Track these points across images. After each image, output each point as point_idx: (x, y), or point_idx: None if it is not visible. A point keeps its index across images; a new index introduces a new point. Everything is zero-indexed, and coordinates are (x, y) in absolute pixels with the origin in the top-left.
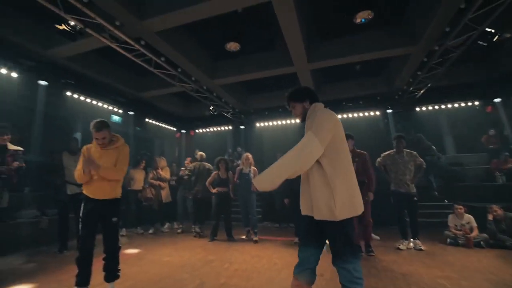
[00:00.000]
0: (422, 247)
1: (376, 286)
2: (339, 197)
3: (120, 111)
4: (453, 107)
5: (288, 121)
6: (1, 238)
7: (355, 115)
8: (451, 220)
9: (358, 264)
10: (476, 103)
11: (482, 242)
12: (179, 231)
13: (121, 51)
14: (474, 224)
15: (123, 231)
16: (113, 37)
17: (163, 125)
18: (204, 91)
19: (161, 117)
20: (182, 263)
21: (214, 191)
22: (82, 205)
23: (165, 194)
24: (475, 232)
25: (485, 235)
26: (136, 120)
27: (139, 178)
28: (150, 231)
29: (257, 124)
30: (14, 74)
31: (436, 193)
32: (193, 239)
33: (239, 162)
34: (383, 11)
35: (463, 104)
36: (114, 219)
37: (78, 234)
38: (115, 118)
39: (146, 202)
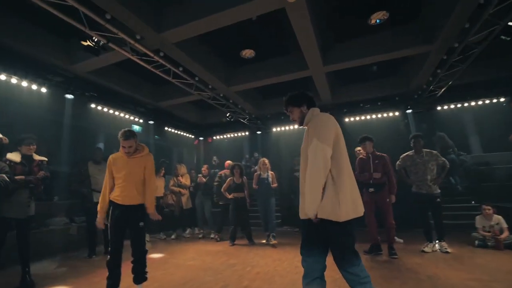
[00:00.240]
0: (449, 250)
1: None
2: (343, 196)
3: (141, 120)
4: (477, 104)
5: (305, 126)
6: (35, 245)
7: (374, 116)
8: (478, 221)
9: (362, 265)
10: (502, 99)
11: None
12: (200, 236)
13: (141, 63)
14: (504, 225)
15: (147, 237)
16: (134, 50)
17: (182, 133)
18: (220, 98)
19: (179, 125)
20: (205, 266)
21: (230, 196)
22: (110, 211)
23: (185, 200)
24: (506, 234)
25: None
26: (156, 129)
27: (159, 185)
28: (173, 237)
29: (274, 129)
30: (43, 89)
31: (459, 187)
32: (214, 244)
33: (256, 167)
34: (399, 10)
35: (487, 101)
36: (141, 223)
37: (107, 239)
38: (136, 127)
39: (167, 208)
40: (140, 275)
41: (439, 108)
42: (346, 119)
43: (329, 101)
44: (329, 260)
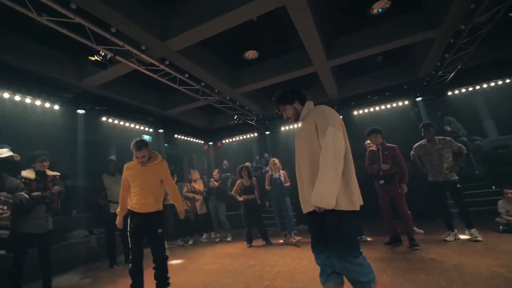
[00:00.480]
0: (479, 238)
1: (427, 279)
2: (354, 186)
3: (150, 130)
4: (489, 86)
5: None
6: (57, 259)
7: (383, 107)
8: (501, 206)
9: (363, 257)
10: None
11: None
12: (217, 240)
13: (147, 73)
14: None
15: (165, 244)
16: (140, 60)
17: (191, 139)
18: (227, 101)
19: (188, 132)
20: (224, 269)
21: (240, 199)
22: (129, 220)
23: (199, 205)
24: None
25: None
26: (166, 137)
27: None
28: (190, 242)
29: (282, 128)
30: (56, 107)
31: (476, 172)
32: (232, 246)
33: (267, 168)
34: None
35: (500, 82)
36: (159, 230)
37: (126, 249)
38: (146, 137)
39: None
40: (162, 281)
41: (450, 93)
42: (355, 112)
43: (336, 96)
44: None
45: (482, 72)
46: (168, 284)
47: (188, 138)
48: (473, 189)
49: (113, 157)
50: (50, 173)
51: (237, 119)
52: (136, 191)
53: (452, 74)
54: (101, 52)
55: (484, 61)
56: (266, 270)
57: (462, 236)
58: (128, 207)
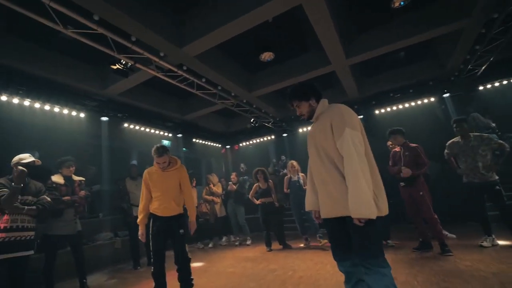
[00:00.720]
0: None
1: None
2: (379, 191)
3: (170, 135)
4: None
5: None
6: (86, 258)
7: (406, 105)
8: None
9: (389, 269)
10: None
11: None
12: (236, 243)
13: (166, 79)
14: None
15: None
16: (159, 67)
17: (209, 143)
18: (244, 104)
19: (206, 136)
20: (246, 273)
21: (258, 202)
22: (151, 223)
23: (219, 208)
24: None
25: None
26: (184, 142)
27: (193, 196)
28: (210, 245)
29: (300, 130)
30: (82, 114)
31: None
32: (252, 250)
33: (285, 171)
34: None
35: None
36: (181, 231)
37: (149, 251)
38: (165, 142)
39: (202, 217)
40: (186, 282)
41: (481, 88)
42: (376, 111)
43: (356, 95)
44: None
45: None
46: (192, 285)
47: (206, 142)
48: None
49: (134, 162)
50: (76, 178)
51: (254, 122)
52: (158, 195)
53: (483, 67)
54: (122, 61)
55: None
56: (288, 274)
57: (500, 242)
58: (150, 211)
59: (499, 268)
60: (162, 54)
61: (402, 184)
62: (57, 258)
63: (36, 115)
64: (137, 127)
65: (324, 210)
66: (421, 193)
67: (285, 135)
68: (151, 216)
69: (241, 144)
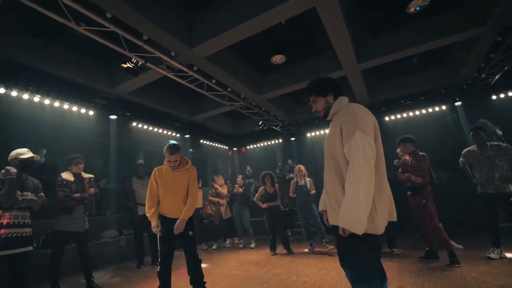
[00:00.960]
0: None
1: None
2: (381, 204)
3: (177, 135)
4: None
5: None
6: (91, 255)
7: (417, 112)
8: None
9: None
10: None
11: None
12: (240, 246)
13: (176, 79)
14: None
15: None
16: (169, 67)
17: (216, 145)
18: (253, 107)
19: (213, 137)
20: (250, 276)
21: (264, 206)
22: (159, 224)
23: (224, 210)
24: None
25: None
26: (192, 142)
27: (199, 197)
28: (214, 247)
29: (308, 134)
30: (91, 112)
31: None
32: (256, 253)
33: (291, 175)
34: None
35: None
36: (190, 232)
37: (153, 251)
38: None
39: (207, 218)
40: (199, 285)
41: (494, 97)
42: (386, 118)
43: (367, 100)
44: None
45: None
46: None
47: (213, 144)
48: None
49: (141, 161)
50: (85, 175)
51: (262, 125)
52: (167, 195)
53: (497, 76)
54: (133, 59)
55: None
56: (292, 279)
57: (509, 255)
58: (159, 212)
59: (508, 282)
60: (173, 54)
61: (408, 192)
62: (63, 254)
63: (45, 112)
64: (145, 127)
65: (329, 216)
66: (424, 201)
67: (293, 139)
68: (160, 219)
69: (248, 147)
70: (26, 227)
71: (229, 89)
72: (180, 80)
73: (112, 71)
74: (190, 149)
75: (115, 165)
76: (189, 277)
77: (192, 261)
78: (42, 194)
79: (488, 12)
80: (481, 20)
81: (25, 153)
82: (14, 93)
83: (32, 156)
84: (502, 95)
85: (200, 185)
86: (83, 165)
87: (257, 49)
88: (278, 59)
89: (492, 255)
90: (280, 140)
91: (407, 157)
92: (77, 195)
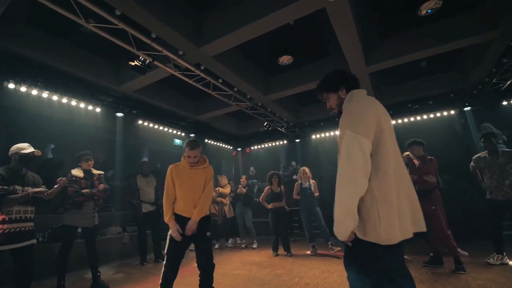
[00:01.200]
0: None
1: None
2: (385, 211)
3: (183, 134)
4: None
5: None
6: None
7: (424, 117)
8: None
9: None
10: None
11: None
12: (243, 246)
13: (183, 78)
14: None
15: (192, 246)
16: (176, 66)
17: (221, 145)
18: (259, 107)
19: (218, 137)
20: (251, 276)
21: (269, 207)
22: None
23: (227, 209)
24: None
25: None
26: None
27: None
28: (216, 246)
29: (313, 136)
30: (98, 109)
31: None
32: (258, 254)
33: (295, 177)
34: None
35: None
36: (208, 233)
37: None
38: (177, 141)
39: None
40: None
41: (504, 103)
42: (393, 122)
43: None
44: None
45: None
46: None
47: (218, 144)
48: None
49: (146, 159)
50: (95, 171)
51: (267, 126)
52: (184, 194)
53: (509, 82)
54: (140, 57)
55: None
56: (294, 281)
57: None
58: (175, 211)
59: None
60: (180, 53)
61: None
62: (72, 249)
63: (54, 108)
64: (150, 125)
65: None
66: (433, 207)
67: (297, 140)
68: (175, 216)
69: (252, 147)
70: (28, 222)
71: (235, 89)
72: (186, 79)
73: (119, 68)
74: None
75: (121, 162)
76: (186, 276)
77: (208, 264)
78: (44, 186)
79: (501, 16)
80: (494, 24)
81: (26, 148)
82: (23, 89)
83: (33, 151)
84: None
85: None
86: (92, 161)
87: (264, 49)
88: (285, 60)
89: (491, 261)
90: (285, 142)
91: (415, 161)
92: (85, 190)
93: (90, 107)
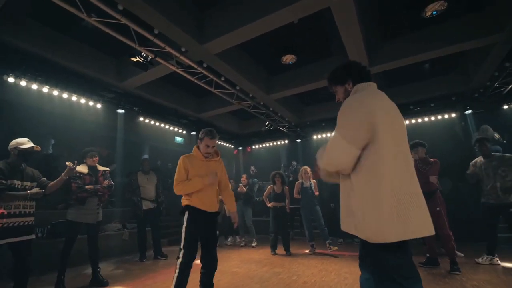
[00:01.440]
0: None
1: None
2: (378, 208)
3: (184, 132)
4: None
5: None
6: None
7: (426, 119)
8: None
9: None
10: None
11: None
12: (242, 244)
13: (185, 75)
14: None
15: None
16: (179, 63)
17: (222, 143)
18: (260, 106)
19: (220, 136)
20: (250, 274)
21: (270, 205)
22: (188, 217)
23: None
24: None
25: None
26: (198, 140)
27: None
28: None
29: (314, 136)
30: (98, 105)
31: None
32: (257, 252)
33: (298, 176)
34: None
35: None
36: (217, 231)
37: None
38: (178, 139)
39: None
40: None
41: (505, 107)
42: None
43: None
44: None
45: None
46: None
47: (219, 142)
48: None
49: (146, 156)
50: (100, 168)
51: (269, 125)
52: (202, 188)
53: (510, 86)
54: (142, 53)
55: None
56: (293, 279)
57: (507, 264)
58: (190, 204)
59: None
60: (183, 50)
61: None
62: (75, 245)
63: (54, 103)
64: (151, 122)
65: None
66: (438, 208)
67: (298, 140)
68: (190, 209)
69: (253, 147)
70: (28, 216)
71: (237, 88)
72: (189, 77)
73: (121, 64)
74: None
75: (121, 159)
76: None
77: (214, 263)
78: (44, 179)
79: (505, 20)
80: (498, 28)
81: (25, 143)
82: (23, 83)
83: (32, 146)
84: None
85: None
86: (97, 158)
87: (267, 48)
88: (288, 59)
89: (480, 260)
90: (286, 141)
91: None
92: (89, 187)
93: (91, 103)
